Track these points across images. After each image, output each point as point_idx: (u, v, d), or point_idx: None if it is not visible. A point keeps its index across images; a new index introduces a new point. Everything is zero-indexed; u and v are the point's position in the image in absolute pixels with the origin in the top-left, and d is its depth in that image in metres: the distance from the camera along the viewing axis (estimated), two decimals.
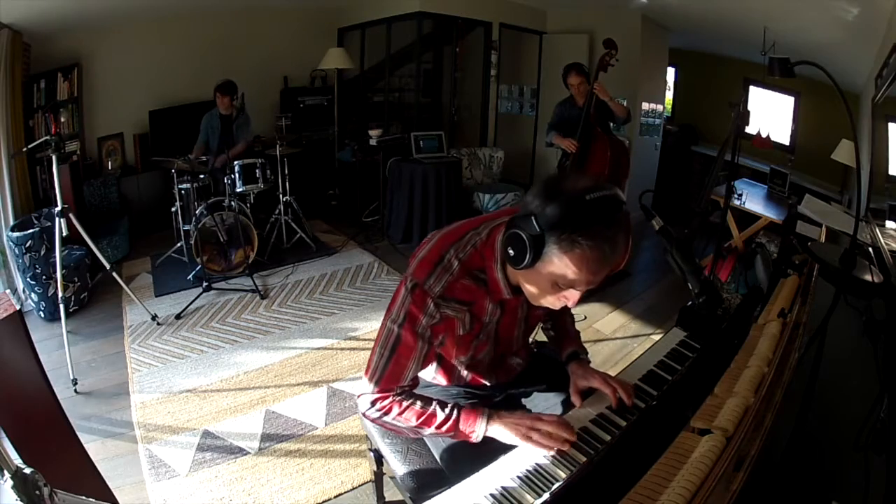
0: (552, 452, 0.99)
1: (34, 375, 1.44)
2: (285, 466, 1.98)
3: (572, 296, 0.96)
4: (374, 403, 1.08)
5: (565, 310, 1.39)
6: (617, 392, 1.12)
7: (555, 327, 1.38)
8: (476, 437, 1.06)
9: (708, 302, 1.15)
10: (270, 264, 3.87)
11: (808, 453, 0.94)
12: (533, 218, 0.88)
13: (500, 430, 1.04)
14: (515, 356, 1.32)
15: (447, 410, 1.07)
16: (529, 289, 1.00)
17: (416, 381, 1.12)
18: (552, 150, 4.00)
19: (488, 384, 1.28)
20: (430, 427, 1.06)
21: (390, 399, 1.08)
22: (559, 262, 0.89)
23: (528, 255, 0.90)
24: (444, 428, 1.06)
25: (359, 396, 1.11)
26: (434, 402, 1.08)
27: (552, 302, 0.99)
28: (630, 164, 3.51)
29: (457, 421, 1.06)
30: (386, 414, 1.08)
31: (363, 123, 5.14)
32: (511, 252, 0.93)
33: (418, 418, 1.06)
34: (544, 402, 1.35)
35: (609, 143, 3.32)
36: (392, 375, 1.07)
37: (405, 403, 1.07)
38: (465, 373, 1.25)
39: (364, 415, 1.12)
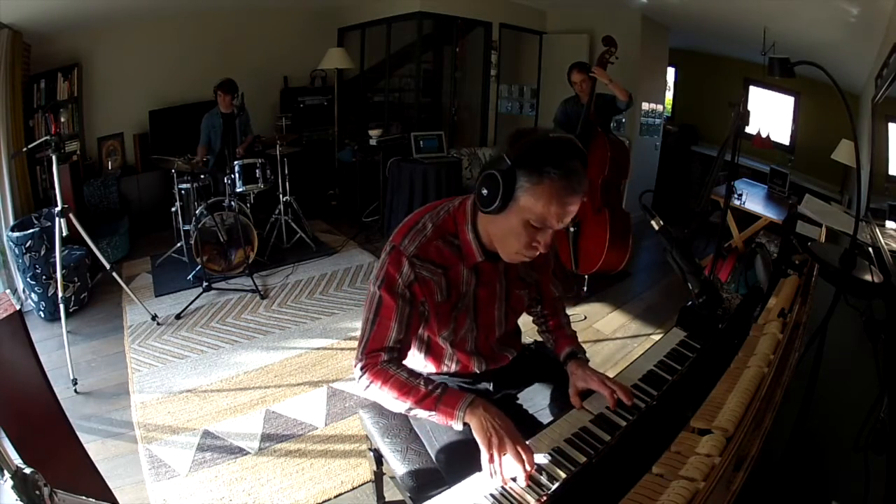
0: (497, 484, 0.93)
1: (34, 375, 1.44)
2: (285, 466, 1.98)
3: (544, 238, 1.02)
4: (364, 371, 1.11)
5: (560, 307, 1.41)
6: (615, 394, 1.12)
7: (550, 328, 1.38)
8: (456, 419, 1.03)
9: (708, 302, 1.15)
10: (270, 264, 3.87)
11: (808, 453, 0.94)
12: (504, 155, 0.97)
13: (474, 422, 1.01)
14: (504, 345, 1.32)
15: (431, 386, 1.06)
16: (502, 237, 1.05)
17: (404, 345, 1.13)
18: None
19: (478, 371, 1.28)
20: (410, 400, 1.06)
21: (378, 368, 1.10)
22: (530, 197, 0.97)
23: (500, 192, 0.97)
24: (425, 402, 1.05)
25: (355, 366, 1.13)
26: (421, 378, 1.09)
27: (526, 248, 1.03)
28: (630, 165, 3.49)
29: (437, 399, 1.05)
30: (373, 383, 1.09)
31: (363, 123, 5.15)
32: (485, 192, 1.00)
33: (400, 388, 1.07)
34: (543, 401, 1.35)
35: (609, 143, 3.30)
36: (377, 337, 1.11)
37: (391, 372, 1.09)
38: (451, 352, 1.24)
39: (359, 386, 1.12)
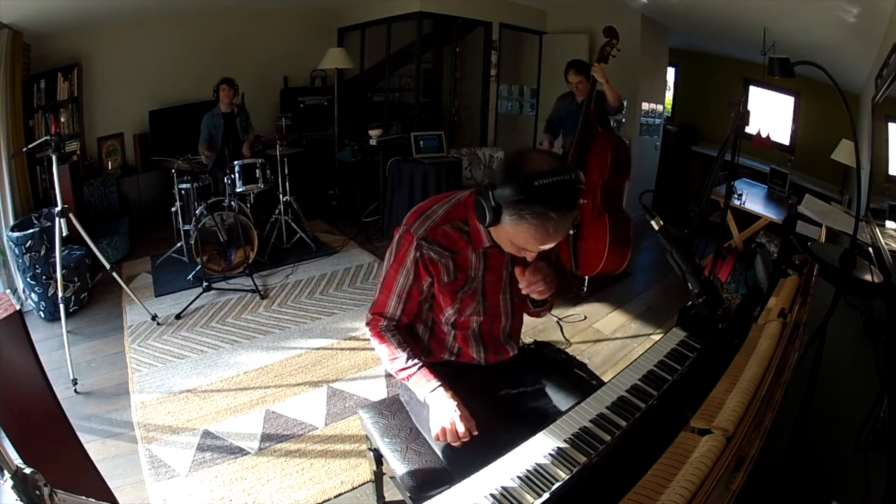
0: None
1: (34, 375, 1.44)
2: (285, 466, 1.98)
3: (529, 254, 1.12)
4: (368, 325, 1.31)
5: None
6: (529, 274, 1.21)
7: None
8: (422, 398, 1.21)
9: (708, 302, 1.15)
10: (270, 264, 3.87)
11: (808, 453, 0.94)
12: (490, 193, 1.03)
13: (433, 407, 1.17)
14: (509, 338, 1.36)
15: (410, 362, 1.23)
16: (497, 239, 1.16)
17: (400, 321, 1.28)
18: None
19: (479, 361, 1.32)
20: (393, 366, 1.25)
21: (378, 330, 1.29)
22: (512, 230, 1.05)
23: (487, 219, 1.06)
24: (403, 375, 1.24)
25: (365, 321, 1.33)
26: (408, 350, 1.25)
27: (517, 252, 1.13)
28: (632, 165, 3.39)
29: (412, 375, 1.22)
30: (373, 339, 1.29)
31: (363, 123, 5.14)
32: (477, 214, 1.10)
33: (388, 354, 1.26)
34: (541, 401, 1.34)
35: (609, 142, 3.21)
36: (380, 303, 1.29)
37: (386, 338, 1.27)
38: (453, 340, 1.31)
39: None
